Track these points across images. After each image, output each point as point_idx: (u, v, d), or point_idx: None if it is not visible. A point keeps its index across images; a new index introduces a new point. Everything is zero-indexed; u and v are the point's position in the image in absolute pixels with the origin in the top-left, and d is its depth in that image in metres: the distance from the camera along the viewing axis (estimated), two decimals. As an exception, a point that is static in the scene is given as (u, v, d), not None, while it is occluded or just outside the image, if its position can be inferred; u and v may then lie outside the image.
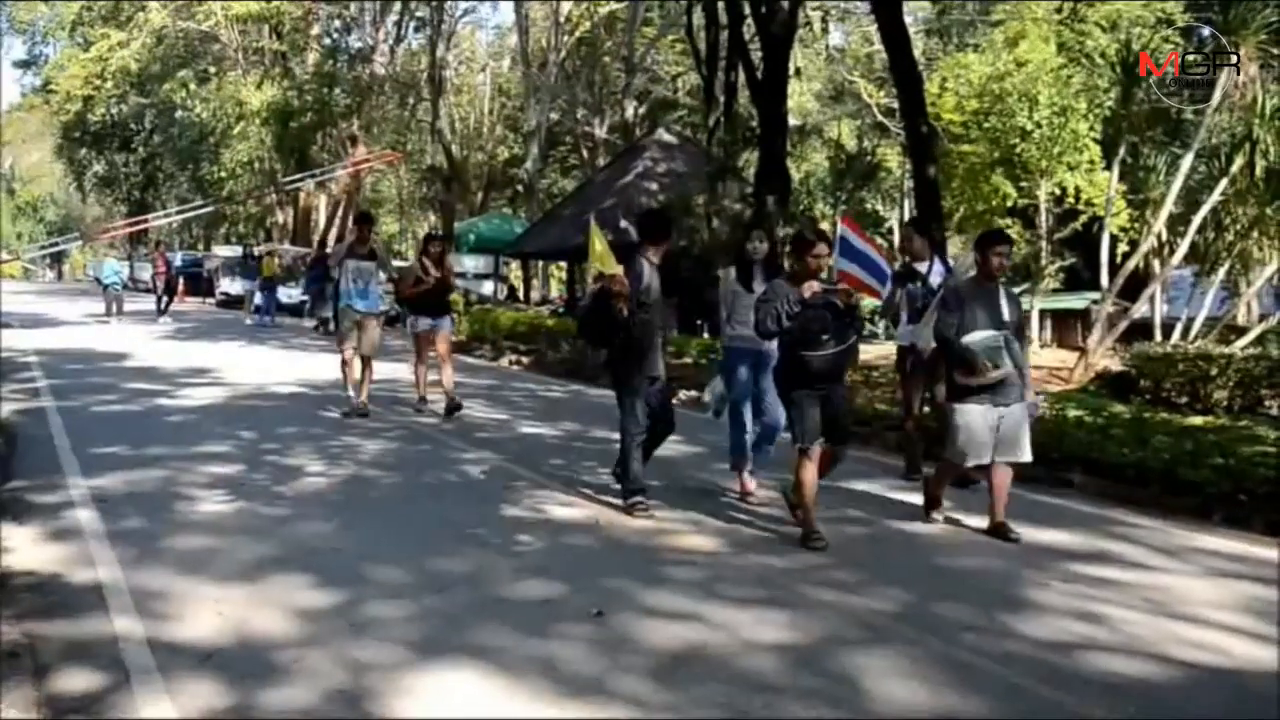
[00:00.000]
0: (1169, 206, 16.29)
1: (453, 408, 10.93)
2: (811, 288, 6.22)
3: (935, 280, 8.10)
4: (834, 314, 6.30)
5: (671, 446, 9.82)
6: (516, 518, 6.80)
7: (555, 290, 43.34)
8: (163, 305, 26.11)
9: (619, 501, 7.08)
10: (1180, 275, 19.70)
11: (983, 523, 6.74)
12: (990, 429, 6.45)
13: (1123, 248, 19.23)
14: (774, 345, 6.75)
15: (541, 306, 31.69)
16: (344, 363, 10.96)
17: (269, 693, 3.97)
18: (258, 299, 28.38)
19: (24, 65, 56.74)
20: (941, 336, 6.67)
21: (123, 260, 40.77)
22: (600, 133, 38.52)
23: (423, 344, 11.44)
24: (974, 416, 6.46)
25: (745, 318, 7.02)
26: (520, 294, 36.75)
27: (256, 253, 35.06)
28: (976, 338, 6.40)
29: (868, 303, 9.17)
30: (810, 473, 6.35)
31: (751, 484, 7.53)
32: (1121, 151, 17.31)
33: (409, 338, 12.02)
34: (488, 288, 34.73)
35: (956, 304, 6.60)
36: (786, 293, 6.25)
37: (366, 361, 10.88)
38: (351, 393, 10.89)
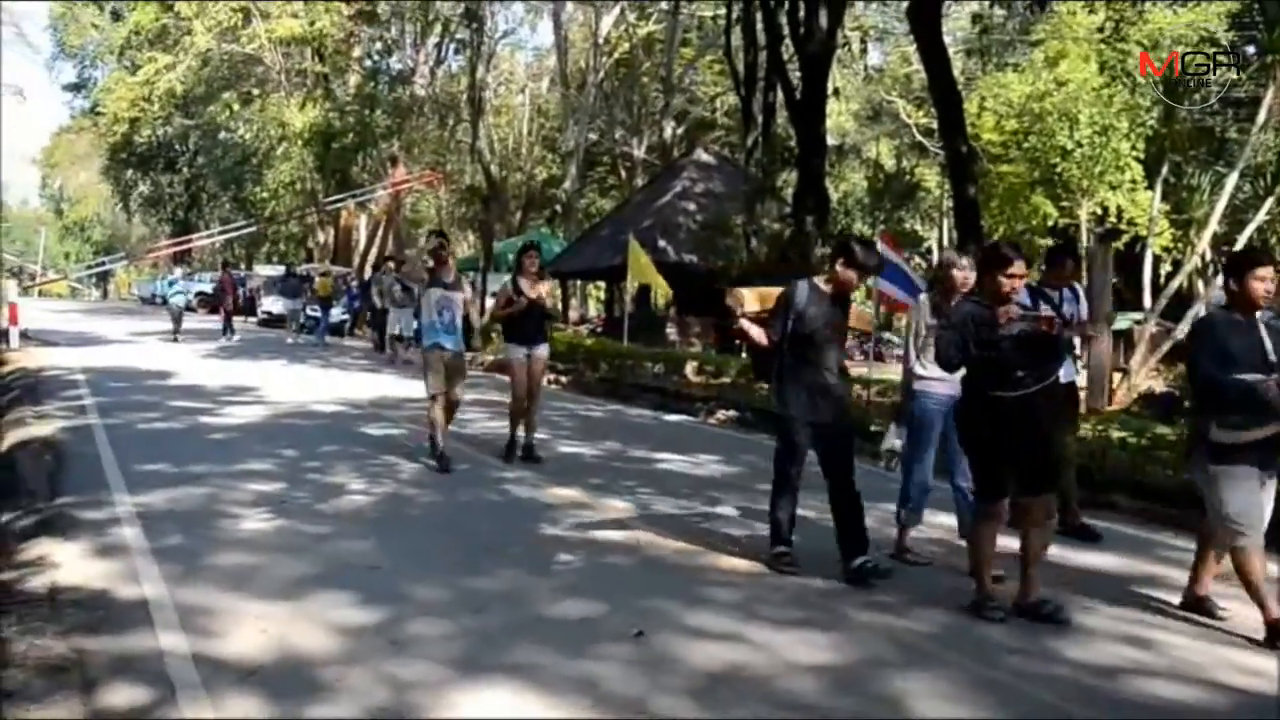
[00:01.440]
0: (1213, 226, 16.13)
1: (529, 450, 9.60)
2: (1007, 313, 5.24)
3: (1068, 310, 7.16)
4: (1033, 345, 5.27)
5: (712, 466, 9.90)
6: (555, 537, 6.80)
7: (593, 310, 43.52)
8: (228, 326, 26.08)
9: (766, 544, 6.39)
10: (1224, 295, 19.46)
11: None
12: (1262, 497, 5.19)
13: (1166, 268, 19.08)
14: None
15: (580, 326, 31.83)
16: (433, 407, 9.16)
17: (312, 709, 4.00)
18: (301, 318, 28.64)
19: (73, 88, 57.47)
20: (1207, 379, 5.23)
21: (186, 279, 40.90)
22: (638, 153, 38.71)
23: (519, 376, 9.47)
24: (1245, 481, 5.12)
25: None
26: (559, 313, 36.93)
27: (300, 272, 35.29)
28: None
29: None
30: (987, 532, 5.42)
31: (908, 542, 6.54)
32: (1164, 171, 17.18)
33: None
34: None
35: (1212, 339, 5.25)
36: (975, 317, 5.28)
37: (453, 404, 9.37)
38: (439, 439, 9.13)
